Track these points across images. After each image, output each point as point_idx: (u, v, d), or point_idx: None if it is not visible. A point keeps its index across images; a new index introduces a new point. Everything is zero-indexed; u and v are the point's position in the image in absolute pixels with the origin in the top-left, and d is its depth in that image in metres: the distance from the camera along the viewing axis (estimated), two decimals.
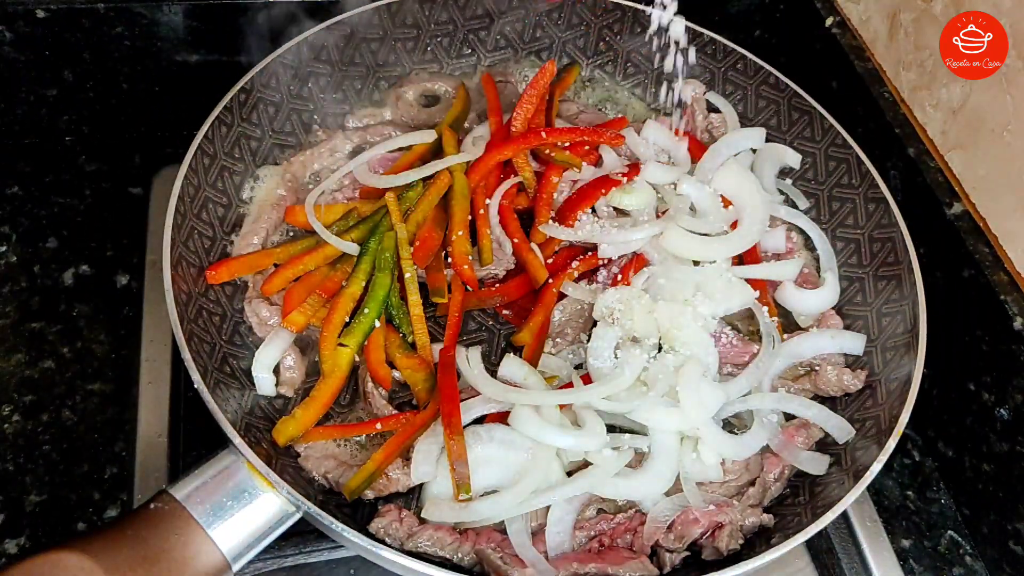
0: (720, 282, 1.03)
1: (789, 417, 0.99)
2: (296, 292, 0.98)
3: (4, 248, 1.15)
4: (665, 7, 1.13)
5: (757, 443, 0.93)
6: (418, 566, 0.77)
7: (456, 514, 0.84)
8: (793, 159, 1.17)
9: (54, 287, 1.12)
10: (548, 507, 0.88)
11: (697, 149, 1.19)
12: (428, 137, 1.12)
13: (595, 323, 1.00)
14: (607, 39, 1.28)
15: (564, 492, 0.86)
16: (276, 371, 0.95)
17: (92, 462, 0.99)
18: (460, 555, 0.84)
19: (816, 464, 0.92)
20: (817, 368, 1.02)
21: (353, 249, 1.01)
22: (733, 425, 0.98)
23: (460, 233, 1.05)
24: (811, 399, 1.00)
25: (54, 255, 1.16)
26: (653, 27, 1.16)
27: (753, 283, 1.05)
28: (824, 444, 0.97)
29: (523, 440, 0.89)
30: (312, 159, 1.12)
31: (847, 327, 1.05)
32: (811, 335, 1.03)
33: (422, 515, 0.84)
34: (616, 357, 0.97)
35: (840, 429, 0.95)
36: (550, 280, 1.04)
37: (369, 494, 0.88)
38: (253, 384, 0.94)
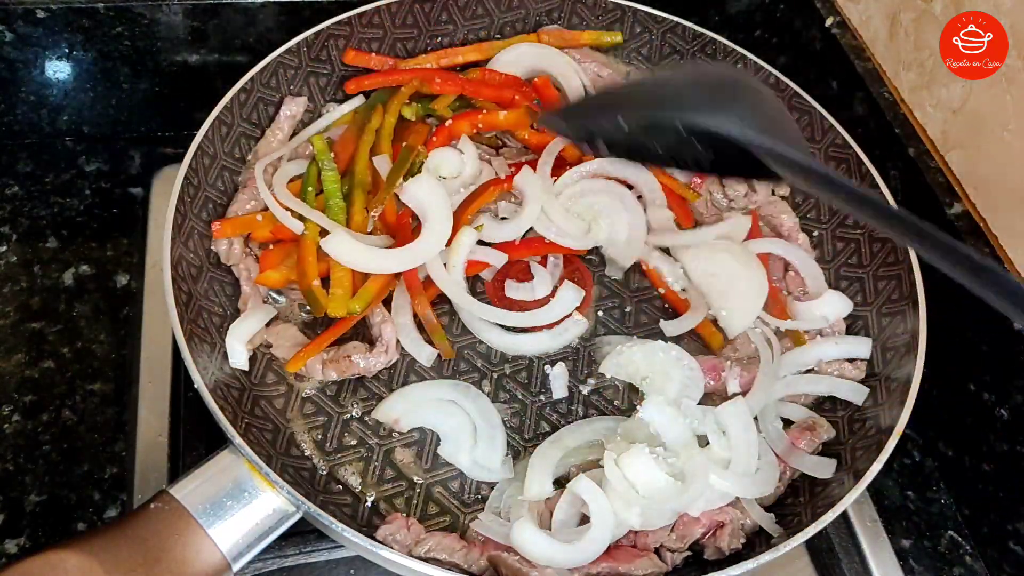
0: (667, 366, 0.98)
1: (786, 423, 0.98)
2: (273, 255, 1.00)
3: (4, 248, 1.15)
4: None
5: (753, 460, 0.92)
6: (419, 566, 0.77)
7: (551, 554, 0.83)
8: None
9: (54, 287, 1.12)
10: (552, 510, 0.88)
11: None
12: (347, 107, 1.13)
13: None
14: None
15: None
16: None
17: (92, 462, 0.99)
18: (468, 562, 0.84)
19: (823, 468, 0.92)
20: (817, 369, 1.02)
21: (297, 227, 1.00)
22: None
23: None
24: (810, 398, 1.00)
25: (54, 255, 1.16)
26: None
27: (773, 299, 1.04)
28: (824, 445, 0.97)
29: None
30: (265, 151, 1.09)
31: (848, 327, 1.05)
32: (816, 344, 1.02)
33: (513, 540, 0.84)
34: None
35: (855, 391, 0.98)
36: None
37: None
38: (252, 382, 0.94)
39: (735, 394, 0.97)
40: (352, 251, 0.97)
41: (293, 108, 1.10)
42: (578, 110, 1.00)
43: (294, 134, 1.11)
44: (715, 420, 0.93)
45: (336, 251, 0.97)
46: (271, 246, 1.03)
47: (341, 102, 1.15)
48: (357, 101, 1.14)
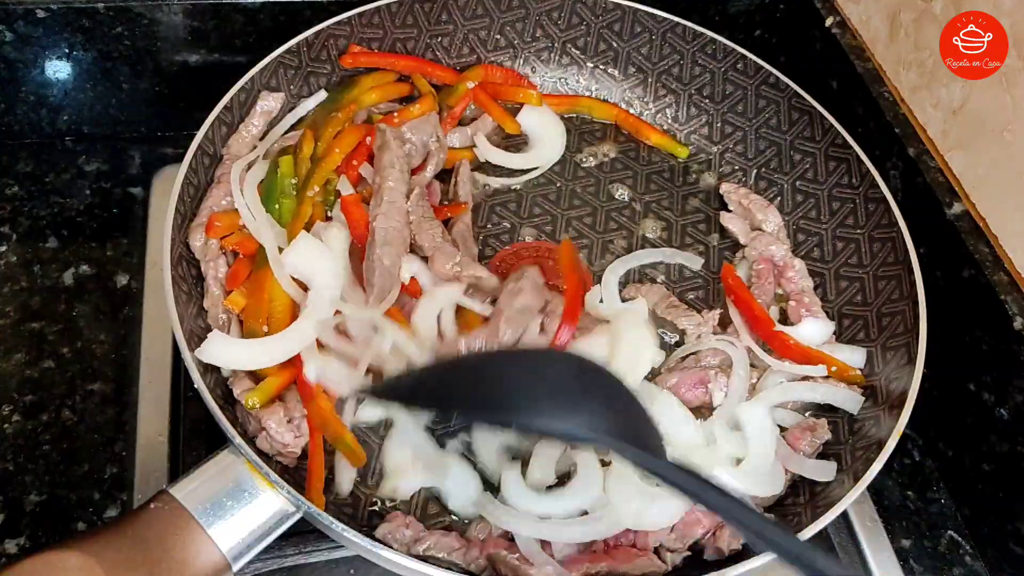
0: None
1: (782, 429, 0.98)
2: (243, 265, 0.96)
3: (4, 248, 1.15)
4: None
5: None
6: (418, 566, 0.77)
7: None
8: None
9: (54, 287, 1.12)
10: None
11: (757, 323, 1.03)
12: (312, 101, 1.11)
13: None
14: (607, 39, 1.28)
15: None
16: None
17: (92, 462, 0.99)
18: (467, 561, 0.84)
19: (823, 472, 0.91)
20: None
21: (272, 245, 0.94)
22: None
23: None
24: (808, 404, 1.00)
25: (54, 255, 1.16)
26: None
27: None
28: (824, 446, 0.97)
29: None
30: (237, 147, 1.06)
31: (847, 327, 1.05)
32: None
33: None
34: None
35: (850, 400, 0.96)
36: None
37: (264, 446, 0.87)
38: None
39: (719, 406, 0.96)
40: (227, 353, 0.85)
41: (270, 103, 1.07)
42: (407, 390, 0.84)
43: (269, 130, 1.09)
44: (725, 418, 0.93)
45: (213, 359, 0.85)
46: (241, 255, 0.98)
47: None
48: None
